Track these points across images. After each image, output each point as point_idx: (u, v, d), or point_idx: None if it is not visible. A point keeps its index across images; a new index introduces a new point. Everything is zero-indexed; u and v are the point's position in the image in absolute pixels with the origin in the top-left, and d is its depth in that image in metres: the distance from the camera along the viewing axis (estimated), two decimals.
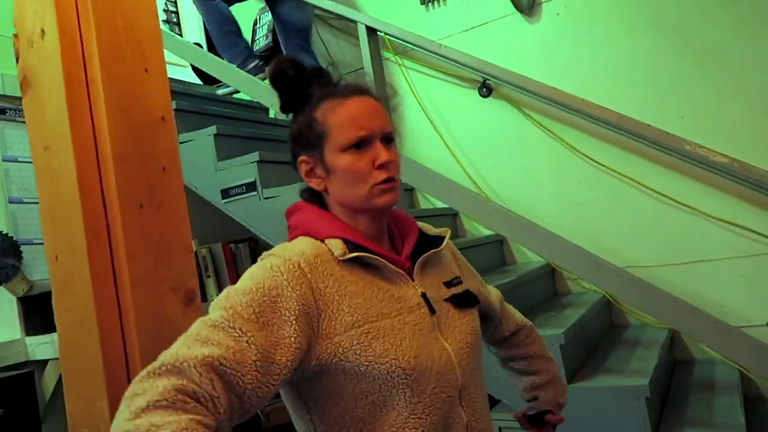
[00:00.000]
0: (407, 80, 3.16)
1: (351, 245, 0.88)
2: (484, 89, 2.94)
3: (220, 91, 3.13)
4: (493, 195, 2.91)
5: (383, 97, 0.96)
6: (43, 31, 0.94)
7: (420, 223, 1.04)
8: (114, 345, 0.89)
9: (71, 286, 0.91)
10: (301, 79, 0.95)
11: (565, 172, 2.76)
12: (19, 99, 2.47)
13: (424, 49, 2.83)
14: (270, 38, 3.50)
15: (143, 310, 0.90)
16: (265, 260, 0.85)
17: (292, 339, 0.77)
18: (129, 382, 0.91)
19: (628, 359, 2.07)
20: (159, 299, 0.92)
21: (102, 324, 0.87)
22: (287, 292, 0.80)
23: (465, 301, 0.97)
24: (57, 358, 2.29)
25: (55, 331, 2.22)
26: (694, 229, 2.45)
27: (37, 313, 2.37)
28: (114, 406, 0.89)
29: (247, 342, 0.74)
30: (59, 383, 2.35)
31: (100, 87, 0.93)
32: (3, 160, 2.46)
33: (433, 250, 0.97)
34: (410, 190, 3.11)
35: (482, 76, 2.88)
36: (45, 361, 2.35)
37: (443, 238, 1.01)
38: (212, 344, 0.72)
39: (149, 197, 0.94)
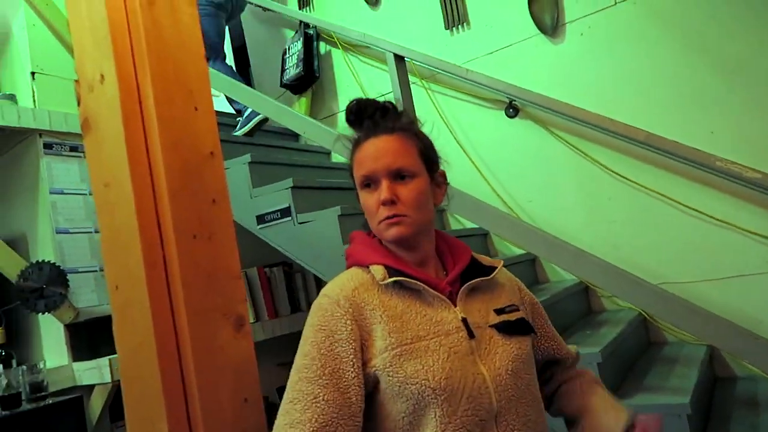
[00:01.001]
0: (434, 104, 3.22)
1: (391, 270, 0.95)
2: (511, 110, 2.98)
3: (240, 132, 3.24)
4: (523, 214, 2.93)
5: (409, 126, 1.02)
6: (102, 77, 1.01)
7: (476, 254, 1.09)
8: (172, 370, 0.94)
9: (131, 314, 0.96)
10: (360, 122, 1.04)
11: (594, 189, 2.77)
12: (65, 134, 2.60)
13: (451, 73, 2.88)
14: (300, 67, 3.61)
15: (198, 336, 0.95)
16: (319, 300, 0.95)
17: (359, 377, 0.87)
18: (186, 405, 0.96)
19: (667, 377, 2.06)
20: (212, 326, 0.97)
21: (161, 350, 0.93)
22: (339, 335, 0.89)
23: (513, 328, 0.99)
24: (103, 383, 2.37)
25: (100, 356, 2.30)
26: (729, 243, 2.43)
27: (84, 340, 2.46)
28: (172, 428, 0.94)
29: (325, 403, 0.84)
30: (105, 407, 2.42)
31: (155, 127, 0.99)
32: (50, 193, 2.57)
33: (480, 278, 1.02)
34: (441, 212, 3.15)
35: (508, 98, 2.92)
36: (91, 386, 2.42)
37: (495, 267, 1.05)
38: (298, 424, 0.83)
39: (201, 228, 1.00)
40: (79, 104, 1.06)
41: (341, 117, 3.64)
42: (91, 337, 2.45)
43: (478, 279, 1.01)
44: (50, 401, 2.11)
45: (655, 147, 2.35)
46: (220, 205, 1.06)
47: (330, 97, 3.75)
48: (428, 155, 1.04)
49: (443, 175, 1.08)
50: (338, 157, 3.42)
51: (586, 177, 2.78)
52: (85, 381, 2.39)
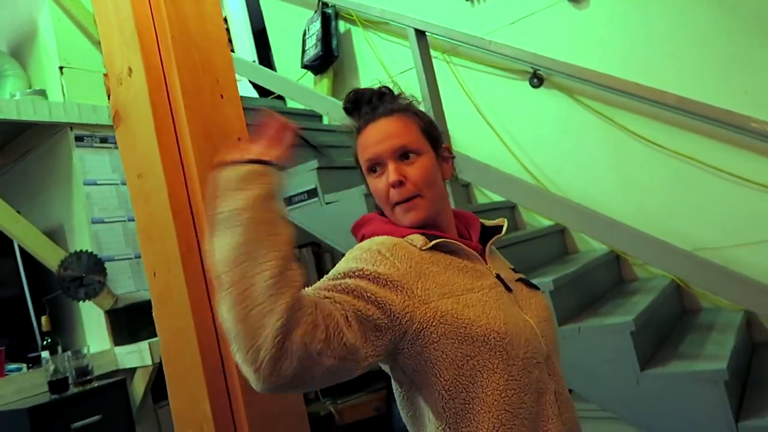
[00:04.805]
0: (456, 77, 3.18)
1: (430, 237, 0.96)
2: (535, 80, 2.93)
3: None
4: (552, 185, 2.90)
5: (407, 107, 1.05)
6: (130, 69, 1.03)
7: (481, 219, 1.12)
8: (211, 350, 0.97)
9: (170, 299, 1.00)
10: (358, 110, 1.05)
11: (624, 156, 2.72)
12: (94, 126, 2.65)
13: (473, 45, 2.84)
14: (319, 47, 3.60)
15: None
16: (349, 254, 0.93)
17: (378, 303, 0.83)
18: (226, 384, 0.99)
19: (702, 344, 2.04)
20: None
21: (200, 332, 0.96)
22: (375, 266, 0.87)
23: (531, 283, 1.05)
24: (144, 366, 2.45)
25: (140, 340, 2.38)
26: (764, 206, 2.37)
27: (123, 325, 2.53)
28: (215, 406, 0.97)
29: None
30: (147, 388, 2.51)
31: (183, 117, 1.01)
32: (84, 184, 2.64)
33: (497, 235, 1.06)
34: (466, 186, 3.13)
35: (532, 67, 2.87)
36: (133, 369, 2.51)
37: (502, 226, 1.09)
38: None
39: None
40: (109, 97, 1.09)
41: None
42: (130, 322, 2.52)
43: (497, 236, 1.06)
44: (96, 384, 2.19)
45: (687, 110, 2.30)
46: None
47: (351, 76, 3.73)
48: (430, 132, 1.04)
49: (448, 149, 1.08)
50: None
51: (616, 144, 2.73)
52: (127, 364, 2.47)
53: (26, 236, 2.41)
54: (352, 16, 3.61)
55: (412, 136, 0.99)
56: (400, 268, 0.89)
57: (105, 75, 1.10)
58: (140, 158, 1.04)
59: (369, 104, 1.04)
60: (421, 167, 0.98)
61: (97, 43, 2.94)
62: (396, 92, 1.07)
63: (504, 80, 3.07)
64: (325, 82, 3.70)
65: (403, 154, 0.98)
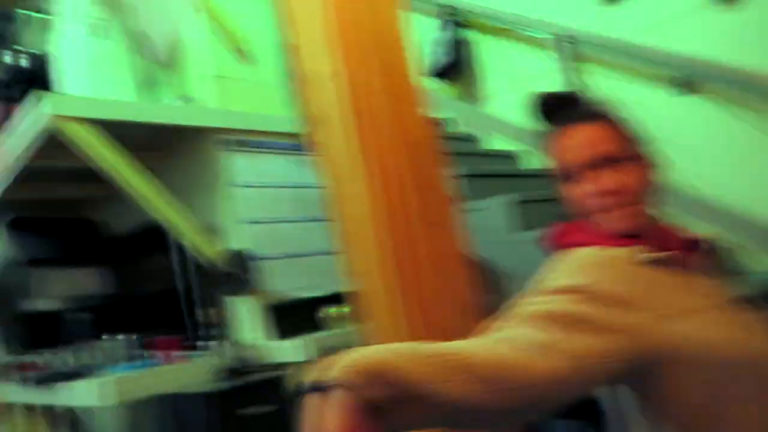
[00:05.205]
0: (595, 86, 3.06)
1: (645, 249, 0.91)
2: (683, 87, 2.75)
3: None
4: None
5: (608, 112, 1.01)
6: (333, 73, 1.08)
7: None
8: None
9: (370, 303, 1.03)
10: (550, 114, 1.03)
11: None
12: (245, 131, 2.82)
13: (618, 51, 2.71)
14: (448, 56, 3.60)
15: (436, 324, 0.99)
16: (561, 267, 0.91)
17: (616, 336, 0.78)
18: None
19: None
20: (445, 312, 1.01)
21: (411, 336, 0.98)
22: (604, 284, 0.84)
23: (751, 299, 0.95)
24: (303, 361, 2.52)
25: (293, 337, 2.48)
26: None
27: (282, 321, 2.67)
28: None
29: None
30: None
31: (385, 122, 1.05)
32: (233, 186, 2.81)
33: (704, 248, 0.98)
34: None
35: (682, 74, 2.69)
36: (285, 365, 2.59)
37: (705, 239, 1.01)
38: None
39: (435, 218, 1.05)
40: (301, 100, 1.15)
41: (489, 104, 3.59)
42: (283, 318, 2.66)
43: (703, 248, 0.98)
44: (264, 375, 2.34)
45: None
46: (447, 194, 1.11)
47: (476, 84, 3.70)
48: (633, 138, 1.01)
49: (652, 155, 1.03)
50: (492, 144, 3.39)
51: None
52: (282, 359, 2.55)
53: (187, 231, 2.62)
54: (477, 23, 3.58)
55: (618, 143, 0.97)
56: (624, 286, 0.85)
57: (297, 77, 1.15)
58: (340, 162, 1.09)
59: (566, 108, 1.02)
60: (631, 174, 0.95)
61: (236, 50, 3.15)
62: (586, 98, 1.06)
63: (646, 88, 2.90)
64: (453, 91, 3.70)
65: (613, 161, 0.95)
